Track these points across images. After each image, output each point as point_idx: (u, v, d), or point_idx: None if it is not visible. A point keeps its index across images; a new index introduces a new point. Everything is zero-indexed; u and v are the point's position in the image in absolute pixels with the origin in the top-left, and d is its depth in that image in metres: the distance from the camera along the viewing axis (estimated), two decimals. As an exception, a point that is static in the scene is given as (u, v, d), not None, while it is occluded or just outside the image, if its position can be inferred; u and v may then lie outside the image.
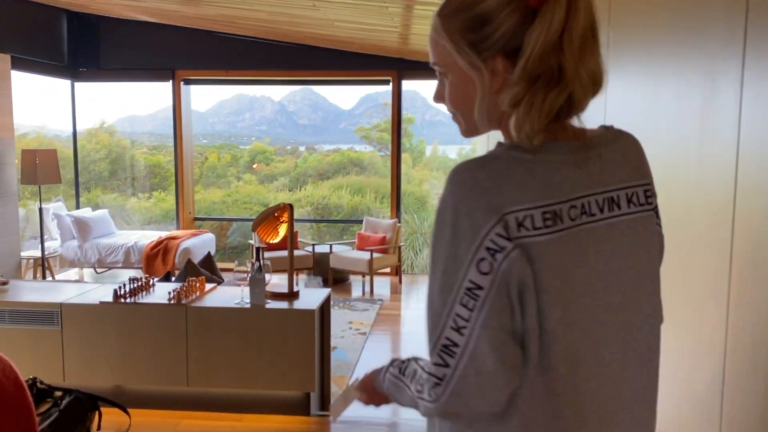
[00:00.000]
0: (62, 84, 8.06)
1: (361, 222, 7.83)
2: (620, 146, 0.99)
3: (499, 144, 0.95)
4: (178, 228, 8.15)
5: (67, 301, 3.35)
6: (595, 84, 0.92)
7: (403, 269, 7.85)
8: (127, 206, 10.76)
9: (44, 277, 6.80)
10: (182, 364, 3.30)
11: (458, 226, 0.87)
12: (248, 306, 3.29)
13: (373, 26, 5.69)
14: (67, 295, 3.48)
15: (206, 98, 10.31)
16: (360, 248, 7.37)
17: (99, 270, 7.64)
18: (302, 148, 15.74)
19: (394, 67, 7.71)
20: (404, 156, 14.14)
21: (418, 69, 7.75)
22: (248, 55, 7.78)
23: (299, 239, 7.66)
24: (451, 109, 1.04)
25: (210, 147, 15.24)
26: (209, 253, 4.59)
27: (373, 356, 4.96)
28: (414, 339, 5.52)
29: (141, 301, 3.35)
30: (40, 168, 6.50)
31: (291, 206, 3.48)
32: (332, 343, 5.17)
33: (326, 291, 3.63)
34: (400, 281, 7.56)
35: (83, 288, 3.64)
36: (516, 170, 0.89)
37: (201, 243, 7.44)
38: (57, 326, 3.32)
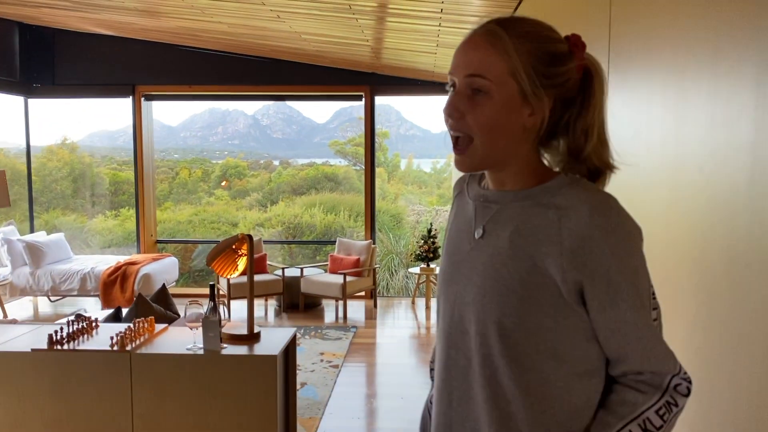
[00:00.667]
0: (16, 100, 7.61)
1: (334, 243, 7.48)
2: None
3: (577, 178, 1.06)
4: (138, 252, 7.71)
5: (-5, 349, 2.95)
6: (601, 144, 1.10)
7: (378, 292, 7.52)
8: (87, 228, 10.25)
9: (-8, 308, 6.31)
10: (126, 420, 2.92)
11: (641, 256, 1.01)
12: (201, 352, 2.93)
13: (342, 39, 5.38)
14: (-4, 340, 3.08)
15: (177, 113, 9.92)
16: (333, 271, 7.01)
17: (53, 298, 7.16)
18: (276, 163, 15.49)
19: (366, 82, 7.42)
20: (379, 170, 13.88)
21: (392, 84, 7.47)
22: (215, 69, 7.42)
23: (268, 262, 7.28)
24: (473, 130, 1.01)
25: (181, 162, 14.85)
26: (164, 285, 4.21)
27: (345, 392, 4.61)
28: (389, 371, 5.17)
29: (80, 347, 2.96)
30: (-13, 191, 6.05)
31: (250, 237, 3.13)
32: (302, 379, 4.82)
33: (291, 331, 3.28)
34: (375, 305, 7.21)
35: (14, 331, 3.23)
36: None
37: (163, 268, 7.02)
38: (-19, 378, 2.92)
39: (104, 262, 7.07)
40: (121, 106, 7.61)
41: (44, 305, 7.26)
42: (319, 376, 4.91)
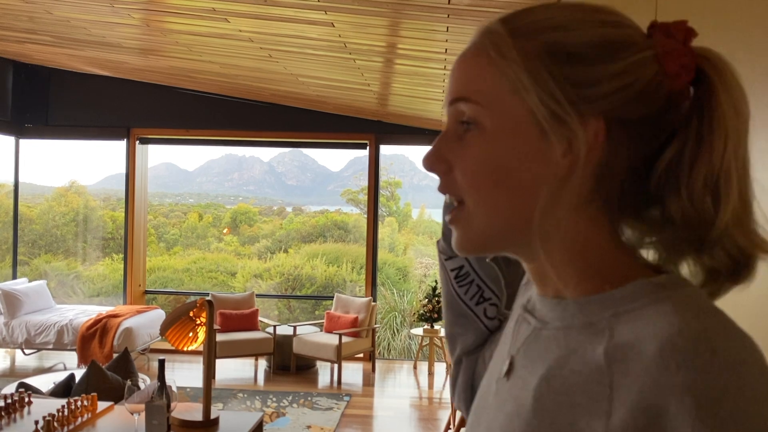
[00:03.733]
0: (6, 140, 7.32)
1: (332, 298, 6.97)
2: None
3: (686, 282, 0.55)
4: (125, 302, 7.25)
5: None
6: None
7: (378, 353, 6.97)
8: (77, 274, 9.82)
9: (-41, 361, 5.84)
10: None
11: None
12: (141, 444, 2.42)
13: (343, 84, 5.02)
14: None
15: (194, 158, 9.74)
16: (328, 330, 6.49)
17: (27, 351, 6.67)
18: (289, 209, 15.40)
19: (371, 130, 7.05)
20: (390, 220, 13.49)
21: (398, 133, 7.09)
22: (213, 113, 7.11)
23: (261, 318, 6.78)
24: (461, 186, 0.60)
25: (195, 206, 14.70)
26: (126, 350, 3.73)
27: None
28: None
29: (0, 432, 2.48)
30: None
31: (210, 303, 2.66)
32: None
33: (256, 416, 2.76)
34: (374, 369, 6.65)
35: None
36: None
37: (147, 322, 6.54)
38: None
39: (85, 313, 6.62)
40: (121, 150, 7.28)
41: (24, 358, 6.78)
42: (302, 456, 4.35)
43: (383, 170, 9.61)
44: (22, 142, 7.39)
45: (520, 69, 0.56)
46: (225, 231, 12.78)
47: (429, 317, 6.65)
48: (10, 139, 7.30)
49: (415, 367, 6.83)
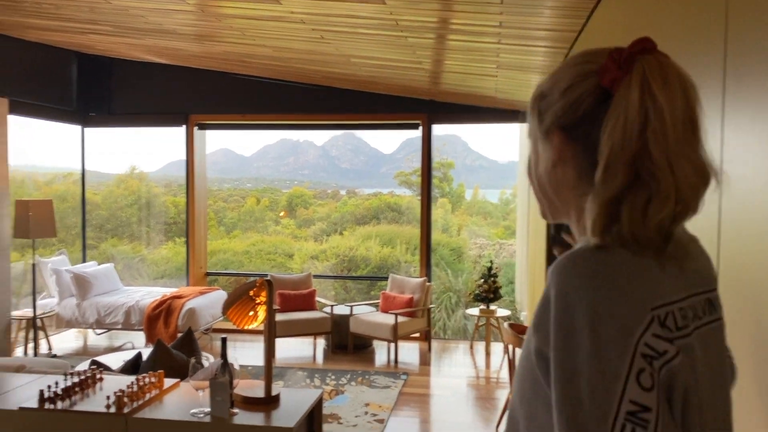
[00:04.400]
0: (73, 129, 7.61)
1: (387, 279, 7.00)
2: (698, 246, 0.90)
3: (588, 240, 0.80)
4: (187, 284, 7.48)
5: (-16, 404, 2.61)
6: (702, 181, 0.77)
7: (434, 333, 6.97)
8: (142, 257, 10.18)
9: (36, 340, 6.16)
10: (122, 493, 2.51)
11: (599, 331, 0.71)
12: (207, 419, 2.50)
13: (394, 63, 4.98)
14: (-8, 392, 2.75)
15: (251, 143, 9.93)
16: (384, 310, 6.53)
17: (98, 331, 6.98)
18: (343, 192, 15.62)
19: (424, 110, 6.99)
20: (443, 201, 13.42)
21: (451, 112, 7.00)
22: (268, 97, 7.19)
23: (317, 299, 6.88)
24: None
25: (253, 191, 15.07)
26: (189, 329, 3.84)
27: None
28: (441, 428, 4.60)
29: (75, 406, 2.59)
30: (34, 221, 5.93)
31: (270, 283, 2.70)
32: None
33: (316, 393, 2.81)
34: (430, 348, 6.66)
35: (10, 383, 2.90)
36: (643, 262, 0.76)
37: (209, 303, 6.73)
38: (-33, 438, 2.59)
39: (151, 294, 6.86)
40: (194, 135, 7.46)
41: (95, 337, 7.10)
42: (361, 433, 4.40)
43: (436, 151, 9.51)
44: (87, 130, 7.66)
45: (529, 111, 0.90)
46: (282, 214, 13.00)
47: (484, 297, 6.60)
48: (76, 129, 7.59)
49: (471, 347, 6.81)
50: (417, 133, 7.13)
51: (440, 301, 8.59)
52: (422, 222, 7.10)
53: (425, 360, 6.36)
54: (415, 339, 6.89)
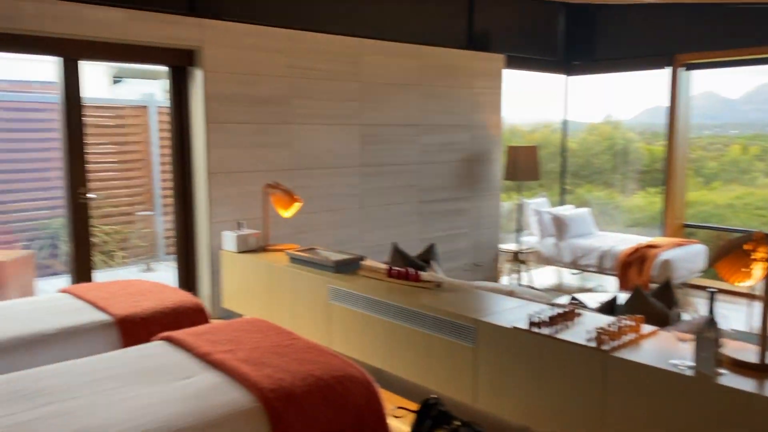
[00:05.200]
0: (557, 78, 8.02)
1: None
2: None
3: None
4: (662, 234, 7.19)
5: (484, 318, 3.06)
6: None
7: None
8: (616, 204, 10.19)
9: (519, 272, 6.90)
10: (597, 424, 2.62)
11: None
12: (689, 373, 2.36)
13: None
14: (486, 311, 3.20)
15: (741, 84, 8.99)
16: None
17: (573, 272, 7.36)
18: None
19: None
20: None
21: None
22: (765, 27, 6.17)
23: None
24: None
25: (738, 137, 13.55)
26: (668, 281, 3.66)
27: None
28: None
29: (558, 335, 2.79)
30: (521, 165, 6.56)
31: (774, 238, 2.35)
32: None
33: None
34: None
35: (503, 304, 3.30)
36: None
37: (686, 256, 6.34)
38: (471, 343, 3.07)
39: (624, 241, 6.86)
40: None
41: (569, 276, 7.55)
42: None
43: None
44: (570, 79, 7.98)
45: None
46: (778, 163, 11.16)
47: None
48: (560, 78, 7.98)
49: None
50: None
51: None
52: None
53: None
54: None
